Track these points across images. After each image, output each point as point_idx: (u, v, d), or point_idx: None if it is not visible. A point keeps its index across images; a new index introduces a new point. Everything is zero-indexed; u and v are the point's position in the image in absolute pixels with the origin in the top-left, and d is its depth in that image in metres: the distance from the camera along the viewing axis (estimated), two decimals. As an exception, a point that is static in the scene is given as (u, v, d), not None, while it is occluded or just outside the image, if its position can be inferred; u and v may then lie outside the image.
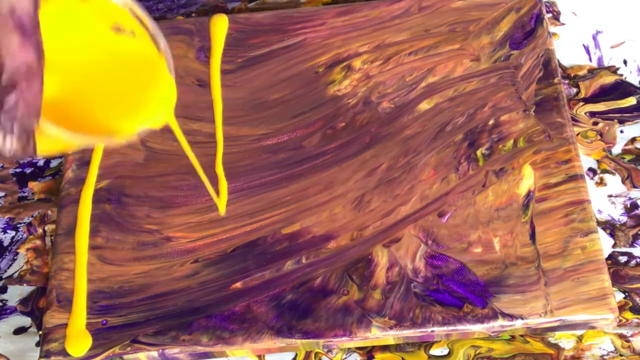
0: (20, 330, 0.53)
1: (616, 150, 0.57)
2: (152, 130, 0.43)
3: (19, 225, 0.57)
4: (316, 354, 0.51)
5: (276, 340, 0.49)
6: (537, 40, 0.58)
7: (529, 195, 0.52)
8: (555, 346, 0.50)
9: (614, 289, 0.51)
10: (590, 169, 0.56)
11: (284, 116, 0.57)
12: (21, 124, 0.34)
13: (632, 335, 0.50)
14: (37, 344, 0.53)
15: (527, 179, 0.53)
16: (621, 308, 0.51)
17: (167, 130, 0.57)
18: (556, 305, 0.48)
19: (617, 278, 0.52)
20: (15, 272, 0.56)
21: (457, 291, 0.49)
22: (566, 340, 0.50)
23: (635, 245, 0.53)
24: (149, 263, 0.52)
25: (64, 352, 0.49)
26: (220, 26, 0.61)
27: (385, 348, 0.51)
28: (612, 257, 0.53)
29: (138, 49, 0.42)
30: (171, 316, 0.50)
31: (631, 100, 0.58)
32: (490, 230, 0.51)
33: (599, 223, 0.54)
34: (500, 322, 0.48)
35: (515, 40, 0.58)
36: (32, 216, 0.57)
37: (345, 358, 0.51)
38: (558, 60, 0.59)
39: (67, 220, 0.54)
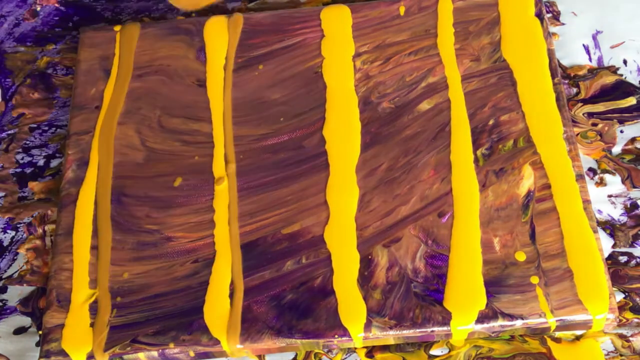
0: (20, 330, 0.53)
1: (616, 150, 0.57)
2: None
3: (19, 225, 0.57)
4: (316, 354, 0.51)
5: (276, 340, 0.49)
6: (537, 40, 0.58)
7: (529, 195, 0.52)
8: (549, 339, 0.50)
9: (614, 289, 0.51)
10: (590, 169, 0.56)
11: (284, 116, 0.57)
12: None
13: (632, 335, 0.50)
14: (37, 344, 0.53)
15: (527, 179, 0.53)
16: (621, 308, 0.51)
17: (166, 130, 0.57)
18: (556, 305, 0.48)
19: (617, 278, 0.52)
20: (15, 272, 0.56)
21: (457, 291, 0.49)
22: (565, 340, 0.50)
23: (635, 245, 0.53)
24: (149, 263, 0.52)
25: (63, 352, 0.49)
26: (215, 28, 0.61)
27: (385, 348, 0.51)
28: (612, 257, 0.53)
29: None
30: (171, 316, 0.50)
31: (631, 100, 0.58)
32: (490, 230, 0.51)
33: (599, 223, 0.54)
34: (500, 322, 0.48)
35: (515, 40, 0.58)
36: (32, 216, 0.57)
37: (345, 358, 0.51)
38: (558, 60, 0.59)
39: (67, 220, 0.54)
